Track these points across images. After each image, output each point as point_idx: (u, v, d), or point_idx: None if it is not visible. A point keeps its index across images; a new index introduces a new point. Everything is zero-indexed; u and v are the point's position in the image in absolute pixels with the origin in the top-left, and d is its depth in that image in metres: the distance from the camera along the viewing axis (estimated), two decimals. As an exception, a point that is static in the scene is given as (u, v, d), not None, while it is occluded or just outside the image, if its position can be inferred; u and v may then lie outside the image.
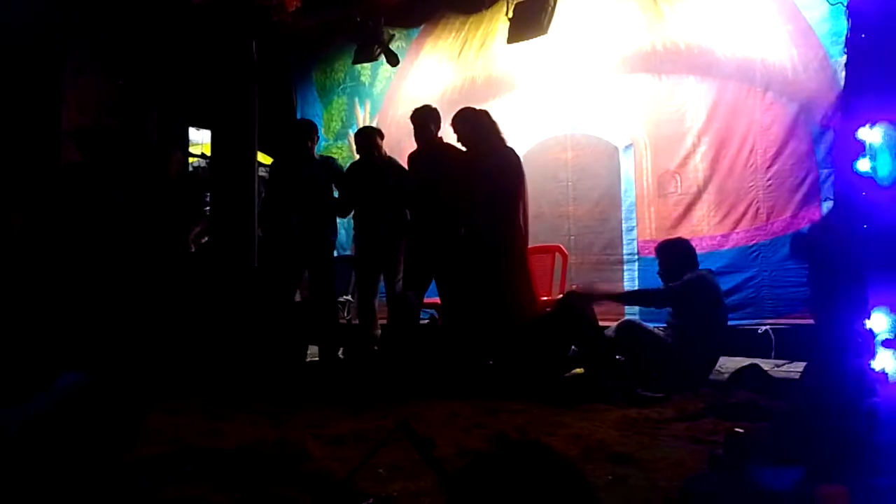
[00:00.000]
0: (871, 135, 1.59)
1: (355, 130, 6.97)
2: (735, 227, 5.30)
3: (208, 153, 6.44)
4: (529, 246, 5.19)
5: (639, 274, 5.63)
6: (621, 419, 3.16)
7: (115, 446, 2.49)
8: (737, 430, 1.92)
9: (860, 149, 1.47)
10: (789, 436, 1.64)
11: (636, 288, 5.54)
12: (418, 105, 5.31)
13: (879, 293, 1.49)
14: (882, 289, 1.52)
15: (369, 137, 5.36)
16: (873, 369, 1.39)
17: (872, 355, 1.38)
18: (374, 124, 6.83)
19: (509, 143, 4.89)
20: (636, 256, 5.69)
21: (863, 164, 1.48)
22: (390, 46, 6.31)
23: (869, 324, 1.43)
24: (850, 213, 1.41)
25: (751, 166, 5.26)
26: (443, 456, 2.40)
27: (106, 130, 5.06)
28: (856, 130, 1.50)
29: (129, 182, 4.96)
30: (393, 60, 6.37)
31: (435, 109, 5.10)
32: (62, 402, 2.41)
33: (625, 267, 5.71)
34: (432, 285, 5.07)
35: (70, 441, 2.36)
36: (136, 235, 4.69)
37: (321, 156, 5.70)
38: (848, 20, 1.68)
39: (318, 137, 5.68)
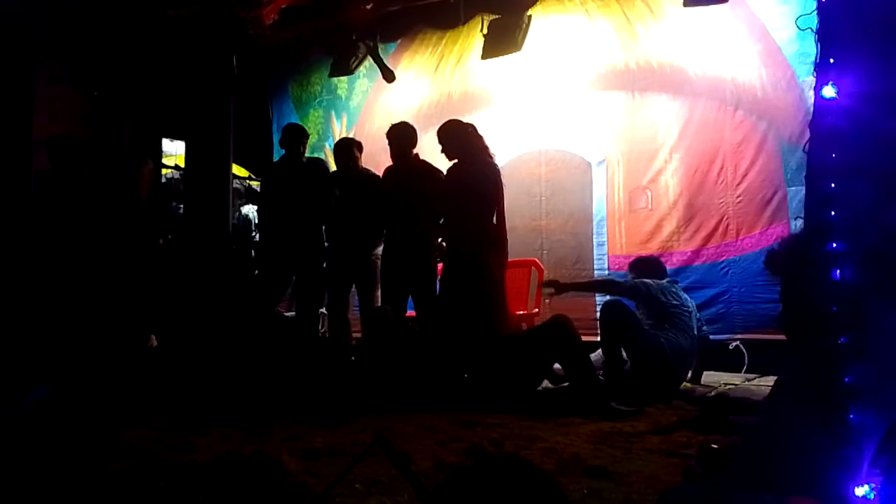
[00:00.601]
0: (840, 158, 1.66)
1: (332, 143, 7.02)
2: (706, 243, 5.39)
3: (182, 165, 6.39)
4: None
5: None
6: (595, 433, 3.18)
7: (86, 460, 2.46)
8: (710, 443, 1.95)
9: (829, 170, 1.53)
10: (761, 449, 1.67)
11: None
12: (395, 119, 5.31)
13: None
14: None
15: (347, 149, 5.33)
16: (846, 384, 1.43)
17: (846, 371, 1.42)
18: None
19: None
20: (606, 271, 5.75)
21: (830, 187, 1.53)
22: (365, 62, 6.33)
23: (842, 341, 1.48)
24: (821, 232, 1.46)
25: (721, 183, 5.36)
26: (419, 470, 2.40)
27: (76, 141, 4.99)
28: (825, 152, 1.56)
29: (99, 192, 4.89)
30: (389, 77, 6.34)
31: (411, 127, 5.09)
32: (28, 415, 2.38)
33: (595, 281, 5.76)
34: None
35: (36, 454, 2.33)
36: (105, 246, 4.62)
37: (308, 158, 5.66)
38: (817, 45, 1.74)
39: (307, 140, 5.64)
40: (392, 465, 2.23)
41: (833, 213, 1.51)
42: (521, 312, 5.36)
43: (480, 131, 4.91)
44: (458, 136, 4.74)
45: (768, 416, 1.79)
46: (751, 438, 1.80)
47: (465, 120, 5.45)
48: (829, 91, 1.65)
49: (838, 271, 1.46)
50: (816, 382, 1.53)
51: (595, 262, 5.83)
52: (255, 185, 7.92)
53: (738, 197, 5.30)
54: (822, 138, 1.63)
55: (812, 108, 5.00)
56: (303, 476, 2.58)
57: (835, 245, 1.48)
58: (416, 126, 5.16)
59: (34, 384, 2.37)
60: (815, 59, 1.68)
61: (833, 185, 1.55)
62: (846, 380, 1.44)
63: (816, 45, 1.66)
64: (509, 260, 5.43)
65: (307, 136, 5.59)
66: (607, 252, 5.79)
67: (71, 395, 2.38)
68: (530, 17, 5.70)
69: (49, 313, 4.25)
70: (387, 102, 6.89)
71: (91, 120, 5.46)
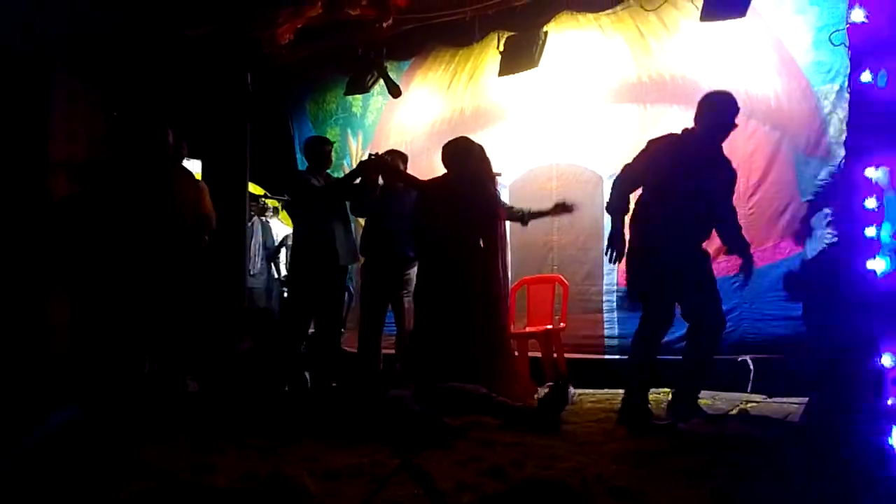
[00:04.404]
0: (876, 175, 1.63)
1: (349, 161, 7.06)
2: (716, 256, 5.29)
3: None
4: (528, 276, 5.22)
5: (618, 304, 5.64)
6: (617, 451, 3.15)
7: (108, 482, 2.45)
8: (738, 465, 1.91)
9: (868, 186, 1.51)
10: (800, 472, 1.64)
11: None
12: (409, 136, 5.31)
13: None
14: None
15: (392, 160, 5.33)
16: (885, 407, 1.41)
17: (884, 393, 1.39)
18: (365, 155, 6.85)
19: (498, 179, 4.90)
20: (615, 287, 5.69)
21: (870, 202, 1.51)
22: (380, 79, 6.34)
23: (881, 361, 1.45)
24: (855, 250, 1.44)
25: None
26: (440, 490, 2.38)
27: (101, 163, 4.98)
28: (862, 169, 1.54)
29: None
30: (395, 92, 6.34)
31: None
32: (53, 438, 2.38)
33: (604, 298, 5.71)
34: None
35: (61, 477, 2.33)
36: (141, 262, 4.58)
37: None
38: (850, 60, 1.73)
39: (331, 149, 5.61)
40: (414, 486, 2.22)
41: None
42: (549, 327, 5.35)
43: (492, 146, 4.87)
44: (466, 156, 4.72)
45: (805, 438, 1.76)
46: (788, 460, 1.77)
47: (478, 135, 5.48)
48: (866, 76, 1.63)
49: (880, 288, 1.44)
50: (857, 405, 1.51)
51: (605, 277, 5.76)
52: (272, 203, 7.98)
53: (750, 209, 5.19)
54: (860, 124, 1.60)
55: (828, 118, 4.98)
56: (323, 498, 2.56)
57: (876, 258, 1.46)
58: (429, 143, 5.15)
59: (60, 405, 2.37)
60: (849, 80, 1.66)
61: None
62: (888, 402, 1.41)
63: (849, 61, 1.64)
64: (535, 276, 5.57)
65: (330, 144, 5.58)
66: (617, 267, 5.74)
67: (95, 415, 2.38)
68: (546, 33, 5.70)
69: (79, 333, 4.24)
70: (400, 119, 6.90)
71: (108, 139, 5.49)
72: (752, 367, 4.88)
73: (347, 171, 6.90)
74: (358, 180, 5.21)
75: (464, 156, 4.74)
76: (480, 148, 4.79)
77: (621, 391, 4.99)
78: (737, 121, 4.08)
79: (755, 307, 5.09)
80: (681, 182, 3.94)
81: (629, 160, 5.70)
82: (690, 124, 5.43)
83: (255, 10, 5.35)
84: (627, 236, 4.14)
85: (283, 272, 7.71)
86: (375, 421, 3.69)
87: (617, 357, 5.50)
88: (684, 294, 3.98)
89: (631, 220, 4.21)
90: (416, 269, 5.23)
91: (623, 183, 4.21)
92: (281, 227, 7.98)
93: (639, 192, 4.26)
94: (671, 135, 4.16)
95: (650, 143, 4.16)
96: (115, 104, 5.55)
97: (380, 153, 5.37)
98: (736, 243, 4.18)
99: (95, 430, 2.41)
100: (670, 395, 4.06)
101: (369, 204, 5.27)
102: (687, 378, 4.01)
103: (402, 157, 5.44)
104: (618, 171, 5.71)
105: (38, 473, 2.29)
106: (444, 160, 4.80)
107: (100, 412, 2.45)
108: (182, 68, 5.66)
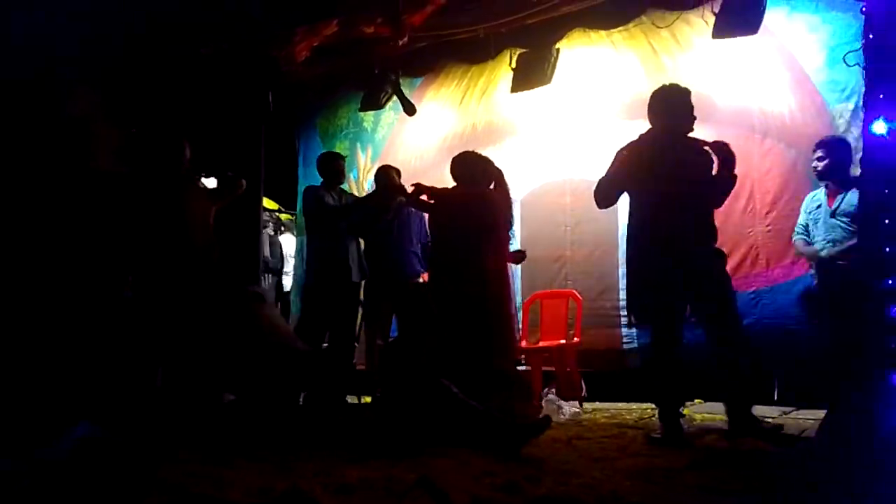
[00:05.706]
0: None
1: (356, 175, 7.12)
2: (734, 273, 5.29)
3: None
4: (541, 291, 5.17)
5: (635, 320, 5.64)
6: (632, 468, 3.13)
7: (125, 498, 2.47)
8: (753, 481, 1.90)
9: (886, 204, 1.51)
10: (815, 489, 1.63)
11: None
12: (419, 151, 5.37)
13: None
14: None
15: (386, 175, 5.43)
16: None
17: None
18: (374, 169, 6.92)
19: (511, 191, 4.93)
20: (631, 303, 5.69)
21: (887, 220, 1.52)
22: (394, 96, 6.40)
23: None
24: (875, 267, 1.45)
25: (749, 211, 5.30)
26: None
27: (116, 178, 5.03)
28: (880, 186, 1.55)
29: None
30: (410, 110, 6.40)
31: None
32: (72, 456, 2.40)
33: (621, 313, 5.69)
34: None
35: (80, 494, 2.35)
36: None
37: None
38: (864, 81, 1.73)
39: (343, 163, 5.71)
40: (430, 502, 2.22)
41: (888, 248, 1.50)
42: (562, 342, 5.36)
43: (504, 161, 4.89)
44: (473, 169, 4.77)
45: (821, 455, 1.75)
46: (804, 477, 1.76)
47: (490, 150, 5.54)
48: (880, 127, 1.64)
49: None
50: (871, 422, 1.51)
51: (620, 293, 5.73)
52: (285, 217, 8.02)
53: (767, 226, 5.23)
54: (875, 174, 1.62)
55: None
56: (338, 513, 2.56)
57: (891, 282, 1.46)
58: (440, 157, 5.20)
59: (74, 421, 2.40)
60: (864, 96, 1.67)
61: (888, 220, 1.54)
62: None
63: (864, 81, 1.65)
64: (547, 291, 5.60)
65: (343, 159, 5.66)
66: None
67: (111, 431, 2.39)
68: (558, 50, 5.77)
69: (92, 349, 4.26)
70: (411, 134, 6.95)
71: (124, 155, 5.53)
72: (776, 383, 4.88)
73: (353, 183, 6.99)
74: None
75: (471, 169, 4.78)
76: (486, 160, 4.85)
77: (635, 406, 5.06)
78: (694, 111, 4.06)
79: (776, 322, 5.07)
80: (653, 176, 3.90)
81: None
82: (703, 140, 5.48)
83: (271, 27, 5.42)
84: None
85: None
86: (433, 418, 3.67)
87: (636, 371, 5.49)
88: (688, 295, 3.87)
89: (627, 245, 4.20)
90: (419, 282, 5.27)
91: (601, 189, 4.21)
92: (290, 244, 7.99)
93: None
94: (632, 141, 4.12)
95: (617, 152, 4.12)
96: (130, 120, 5.60)
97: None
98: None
99: (113, 445, 2.43)
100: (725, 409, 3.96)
101: (384, 224, 5.32)
102: (731, 389, 3.81)
103: (397, 172, 5.51)
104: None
105: (57, 489, 2.31)
106: (452, 173, 4.84)
107: (117, 428, 2.48)
108: (198, 85, 5.72)
